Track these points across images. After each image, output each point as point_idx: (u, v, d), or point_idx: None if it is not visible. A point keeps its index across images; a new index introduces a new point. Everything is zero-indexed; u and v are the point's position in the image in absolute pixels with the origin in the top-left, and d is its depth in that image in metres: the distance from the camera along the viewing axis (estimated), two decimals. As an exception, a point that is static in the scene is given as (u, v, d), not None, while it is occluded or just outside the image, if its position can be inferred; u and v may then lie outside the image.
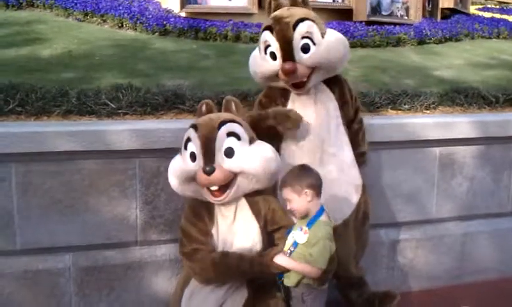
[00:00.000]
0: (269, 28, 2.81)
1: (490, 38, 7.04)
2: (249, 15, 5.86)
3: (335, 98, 2.94)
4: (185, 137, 2.56)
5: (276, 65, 2.79)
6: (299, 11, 2.82)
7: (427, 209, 3.63)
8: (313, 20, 2.82)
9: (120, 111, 3.28)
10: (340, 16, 6.47)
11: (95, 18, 5.84)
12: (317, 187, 2.53)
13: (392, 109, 3.82)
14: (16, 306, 2.92)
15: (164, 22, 5.53)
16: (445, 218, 3.69)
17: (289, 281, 2.58)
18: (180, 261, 3.05)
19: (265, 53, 2.83)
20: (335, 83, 2.96)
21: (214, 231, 2.57)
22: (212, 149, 2.47)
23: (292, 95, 2.91)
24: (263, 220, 2.63)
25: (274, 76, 2.83)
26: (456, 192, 3.68)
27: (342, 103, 2.98)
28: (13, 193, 2.85)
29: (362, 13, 6.53)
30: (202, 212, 2.58)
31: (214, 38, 5.55)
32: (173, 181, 2.60)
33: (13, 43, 4.61)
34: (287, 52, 2.74)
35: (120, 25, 5.68)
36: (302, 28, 2.75)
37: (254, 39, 5.26)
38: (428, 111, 3.87)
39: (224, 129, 2.50)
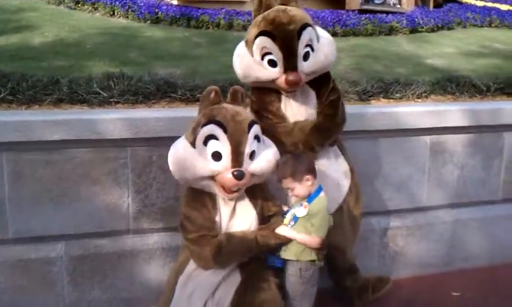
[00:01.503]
0: (267, 34, 2.69)
1: (482, 26, 7.06)
2: (242, 3, 5.84)
3: (315, 94, 2.91)
4: (207, 134, 2.47)
5: (276, 73, 2.72)
6: (296, 14, 2.74)
7: (418, 197, 3.65)
8: (310, 25, 2.78)
9: (111, 100, 3.27)
10: (333, 5, 6.46)
11: (86, 6, 5.81)
12: (313, 170, 2.64)
13: (383, 97, 3.83)
14: (9, 295, 2.92)
15: (156, 10, 5.51)
16: (435, 206, 3.72)
17: (288, 253, 2.64)
18: (173, 249, 3.07)
19: (262, 59, 2.74)
20: (321, 79, 2.90)
21: (217, 218, 2.58)
22: (242, 153, 2.46)
23: (283, 97, 2.88)
24: (259, 207, 2.67)
25: (270, 81, 2.77)
26: (446, 180, 3.70)
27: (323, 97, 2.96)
28: (4, 182, 2.84)
29: (355, 2, 6.54)
30: (205, 199, 2.57)
31: (206, 26, 5.53)
32: (184, 175, 2.52)
33: (4, 31, 4.58)
34: (292, 63, 2.69)
35: (111, 13, 5.65)
36: (305, 37, 2.71)
37: (246, 28, 5.23)
38: (420, 100, 3.89)
39: (253, 132, 2.51)
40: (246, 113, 2.60)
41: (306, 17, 2.80)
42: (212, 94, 2.58)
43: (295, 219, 2.61)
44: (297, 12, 2.77)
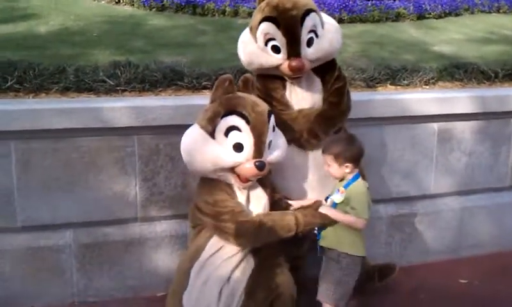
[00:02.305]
0: (271, 19, 2.69)
1: (490, 12, 6.98)
2: (248, -10, 5.80)
3: (320, 81, 2.91)
4: (229, 125, 2.47)
5: (279, 59, 2.72)
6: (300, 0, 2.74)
7: (425, 184, 3.64)
8: (315, 10, 2.76)
9: (118, 88, 3.27)
10: (339, -9, 6.40)
11: (91, -6, 5.78)
12: (357, 159, 2.63)
13: (391, 84, 3.81)
14: (18, 282, 2.95)
15: (162, -2, 5.48)
16: (443, 193, 3.71)
17: (326, 241, 2.65)
18: (181, 237, 3.08)
19: (266, 45, 2.73)
20: (327, 66, 2.89)
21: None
22: (264, 143, 2.48)
23: (288, 84, 2.87)
24: (269, 189, 2.70)
25: (274, 68, 2.77)
26: (454, 167, 3.69)
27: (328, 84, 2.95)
28: (12, 171, 2.86)
29: (362, -12, 6.46)
30: (222, 187, 2.57)
31: (212, 13, 5.50)
32: (204, 166, 2.51)
33: (10, 20, 4.57)
34: (295, 49, 2.69)
35: (117, 1, 5.62)
36: (308, 23, 2.70)
37: (252, 15, 5.21)
38: (427, 87, 3.87)
39: (271, 123, 2.53)
40: (262, 102, 2.60)
41: (310, 3, 2.79)
42: (227, 83, 2.56)
43: (334, 205, 2.63)
44: None
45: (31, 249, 2.94)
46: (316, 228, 2.65)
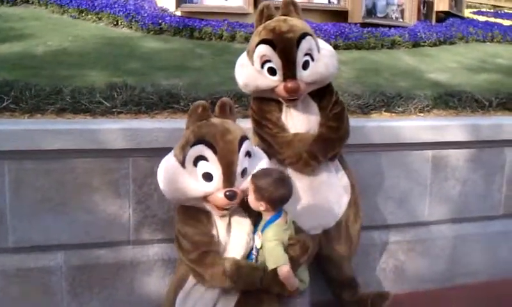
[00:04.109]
0: (267, 42, 2.72)
1: (484, 41, 7.07)
2: (245, 14, 5.85)
3: (317, 106, 2.92)
4: (197, 154, 2.43)
5: (275, 81, 2.73)
6: (296, 23, 2.77)
7: (419, 211, 3.65)
8: (311, 34, 2.79)
9: (114, 110, 3.27)
10: (336, 18, 6.47)
11: (90, 16, 5.81)
12: (277, 203, 2.49)
13: (385, 111, 3.83)
14: (8, 304, 2.91)
15: (160, 21, 5.52)
16: (437, 220, 3.71)
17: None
18: (173, 261, 3.06)
19: (262, 67, 2.75)
20: (324, 92, 2.91)
21: (214, 232, 2.55)
22: (233, 173, 2.43)
23: (284, 108, 2.88)
24: (254, 215, 2.64)
25: (269, 90, 2.78)
26: (448, 195, 3.69)
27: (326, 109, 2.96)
28: (5, 190, 2.84)
29: (357, 15, 6.53)
30: (199, 215, 2.54)
31: (209, 37, 5.54)
32: (176, 195, 2.51)
33: (8, 40, 4.59)
34: (290, 71, 2.70)
35: (115, 23, 5.66)
36: (304, 45, 2.72)
37: (249, 39, 5.23)
38: (422, 114, 3.89)
39: (243, 149, 2.47)
40: (236, 129, 2.53)
41: (306, 27, 2.82)
42: (200, 110, 2.51)
43: (256, 249, 2.54)
44: (297, 22, 2.80)
45: (21, 270, 2.90)
46: (255, 248, 2.59)
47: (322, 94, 2.91)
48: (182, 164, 2.47)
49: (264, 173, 2.51)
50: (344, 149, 3.05)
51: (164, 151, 2.87)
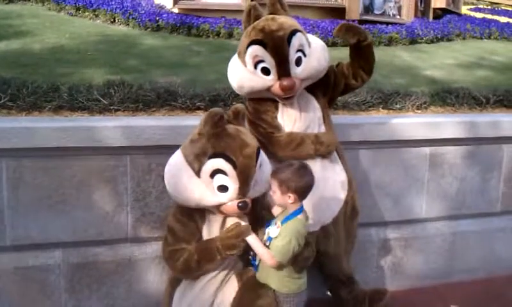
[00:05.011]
0: (258, 42, 2.72)
1: (481, 38, 7.09)
2: (242, 12, 5.82)
3: (315, 100, 2.94)
4: (215, 168, 2.41)
5: (270, 80, 2.74)
6: (285, 21, 2.78)
7: (416, 208, 3.65)
8: (300, 30, 2.80)
9: (111, 107, 3.27)
10: (333, 15, 6.48)
11: (87, 13, 5.82)
12: (304, 192, 2.52)
13: (383, 108, 3.83)
14: (6, 302, 2.91)
15: (157, 18, 5.52)
16: (434, 217, 3.72)
17: (259, 275, 2.62)
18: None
19: (255, 68, 2.75)
20: (319, 84, 2.93)
21: (205, 227, 2.56)
22: (249, 185, 2.45)
23: (280, 106, 2.89)
24: (252, 212, 2.64)
25: (265, 90, 2.79)
26: (445, 192, 3.70)
27: (330, 98, 3.03)
28: (3, 188, 2.84)
29: (355, 12, 6.55)
30: (193, 213, 2.55)
31: (206, 34, 5.55)
32: (187, 203, 2.51)
33: (4, 37, 4.59)
34: (284, 68, 2.71)
35: (112, 20, 5.66)
36: (295, 42, 2.72)
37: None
38: (419, 111, 3.89)
39: (259, 162, 2.49)
40: (251, 139, 2.53)
41: (295, 24, 2.83)
42: (217, 119, 2.46)
43: (269, 239, 2.54)
44: (285, 19, 2.80)
45: (20, 268, 2.90)
46: (251, 254, 2.62)
47: (319, 84, 2.93)
48: (197, 173, 2.45)
49: (284, 166, 2.54)
50: (342, 146, 3.06)
51: (162, 148, 2.89)
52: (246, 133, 2.55)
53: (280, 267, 2.53)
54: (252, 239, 2.52)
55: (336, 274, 3.09)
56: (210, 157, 2.42)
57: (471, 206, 3.79)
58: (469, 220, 3.80)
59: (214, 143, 2.43)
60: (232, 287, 2.62)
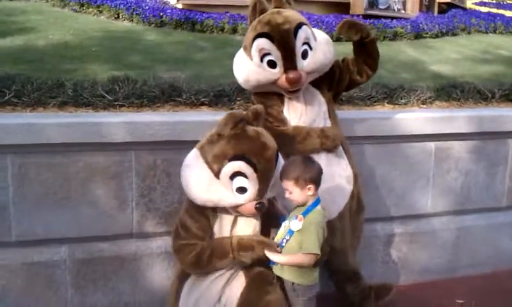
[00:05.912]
0: (264, 35, 2.72)
1: (487, 32, 7.05)
2: (246, 7, 5.81)
3: (321, 94, 2.94)
4: (236, 170, 2.39)
5: (276, 73, 2.74)
6: (291, 14, 2.78)
7: (422, 203, 3.64)
8: (306, 24, 2.80)
9: (116, 103, 3.27)
10: (337, 10, 6.46)
11: (91, 9, 5.81)
12: (319, 179, 2.54)
13: (388, 103, 3.82)
14: (12, 298, 2.91)
15: (161, 14, 5.51)
16: (440, 212, 3.71)
17: (275, 269, 2.60)
18: (176, 253, 3.06)
19: (261, 61, 2.75)
20: (324, 79, 2.94)
21: (216, 225, 2.56)
22: (267, 188, 2.46)
23: (286, 100, 2.89)
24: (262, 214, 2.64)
25: (270, 83, 2.79)
26: (451, 187, 3.69)
27: (335, 93, 3.04)
28: (9, 185, 2.84)
29: (359, 7, 6.53)
30: (205, 209, 2.54)
31: (210, 30, 5.54)
32: (205, 203, 2.49)
33: (9, 33, 4.59)
34: (290, 61, 2.71)
35: (116, 16, 5.66)
36: (301, 35, 2.73)
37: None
38: (424, 106, 3.88)
39: (278, 164, 2.50)
40: (271, 141, 2.51)
41: (300, 17, 2.84)
42: (237, 120, 2.43)
43: (290, 232, 2.52)
44: (290, 13, 2.81)
45: (25, 264, 2.91)
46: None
47: (324, 78, 2.94)
48: (216, 174, 2.44)
49: (290, 163, 2.54)
50: (347, 141, 3.06)
51: (167, 144, 2.89)
52: (265, 135, 2.52)
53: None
54: (277, 257, 2.52)
55: (342, 269, 3.09)
56: (231, 160, 2.40)
57: (476, 201, 3.78)
58: (474, 215, 3.79)
59: (235, 145, 2.41)
60: (240, 283, 2.61)
